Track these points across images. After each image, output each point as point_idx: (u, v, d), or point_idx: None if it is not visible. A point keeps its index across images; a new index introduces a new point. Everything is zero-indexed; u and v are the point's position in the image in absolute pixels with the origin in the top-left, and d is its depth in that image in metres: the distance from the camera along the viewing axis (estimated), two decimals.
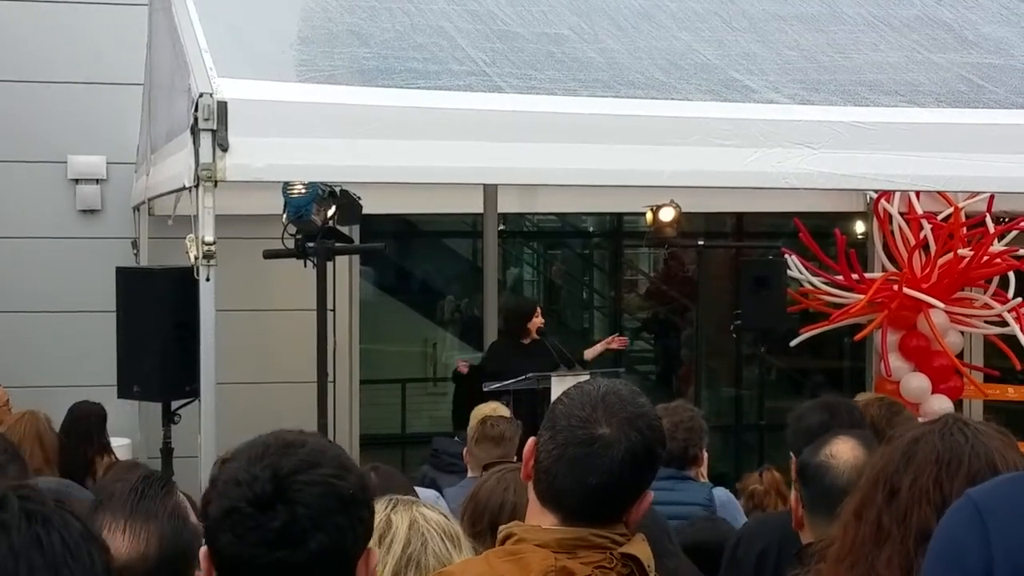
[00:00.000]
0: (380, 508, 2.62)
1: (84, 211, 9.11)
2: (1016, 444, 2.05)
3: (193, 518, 2.56)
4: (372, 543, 2.51)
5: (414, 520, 2.64)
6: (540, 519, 2.29)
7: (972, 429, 2.04)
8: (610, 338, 9.57)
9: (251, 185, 5.38)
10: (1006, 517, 1.43)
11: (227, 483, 1.91)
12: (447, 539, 2.63)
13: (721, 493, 5.05)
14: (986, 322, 9.48)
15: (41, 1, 8.97)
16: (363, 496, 1.96)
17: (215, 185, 4.65)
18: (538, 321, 8.89)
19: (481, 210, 9.26)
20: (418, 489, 5.08)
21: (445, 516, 2.73)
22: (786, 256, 9.57)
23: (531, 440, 2.34)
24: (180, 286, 5.50)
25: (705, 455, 5.08)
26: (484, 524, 3.18)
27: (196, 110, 4.62)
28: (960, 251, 9.16)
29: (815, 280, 9.60)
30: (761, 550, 3.64)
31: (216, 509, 1.91)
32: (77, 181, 9.09)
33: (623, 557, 2.24)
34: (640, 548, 2.26)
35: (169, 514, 2.44)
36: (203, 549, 1.97)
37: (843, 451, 3.01)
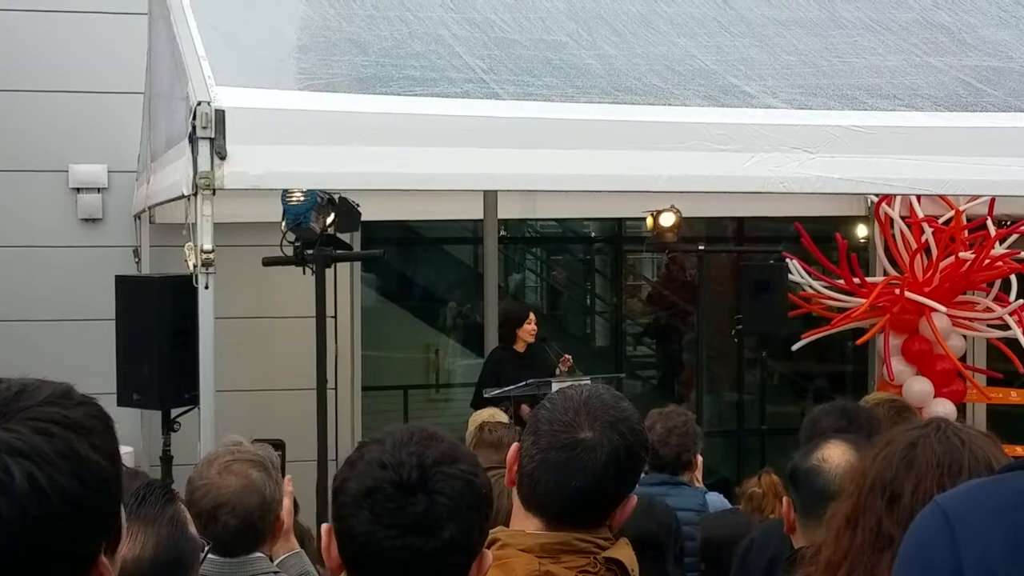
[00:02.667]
0: None
1: (85, 220, 9.12)
2: (1000, 444, 2.06)
3: (191, 528, 2.56)
4: None
5: None
6: (524, 524, 2.30)
7: (964, 432, 2.04)
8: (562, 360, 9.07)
9: (250, 193, 5.39)
10: (973, 522, 1.44)
11: (371, 463, 1.93)
12: None
13: (715, 498, 5.05)
14: (988, 325, 9.47)
15: (41, 11, 8.98)
16: (491, 496, 2.00)
17: (213, 193, 4.66)
18: (530, 328, 8.84)
19: (481, 216, 9.27)
20: None
21: None
22: (787, 260, 9.56)
23: (514, 446, 2.35)
24: (179, 294, 5.51)
25: (699, 460, 5.07)
26: None
27: (194, 118, 4.63)
28: (961, 254, 9.16)
29: (816, 284, 9.59)
30: (772, 556, 3.63)
31: (356, 487, 1.92)
32: (78, 190, 9.10)
33: (607, 561, 2.24)
34: (624, 552, 2.27)
35: (168, 521, 2.46)
36: (326, 526, 1.99)
37: (835, 455, 3.01)
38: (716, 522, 4.86)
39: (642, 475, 4.83)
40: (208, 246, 4.68)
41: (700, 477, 5.14)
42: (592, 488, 2.24)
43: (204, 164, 4.62)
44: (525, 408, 7.45)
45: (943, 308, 9.12)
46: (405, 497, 1.89)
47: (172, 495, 2.54)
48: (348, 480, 1.94)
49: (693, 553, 4.82)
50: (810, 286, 9.60)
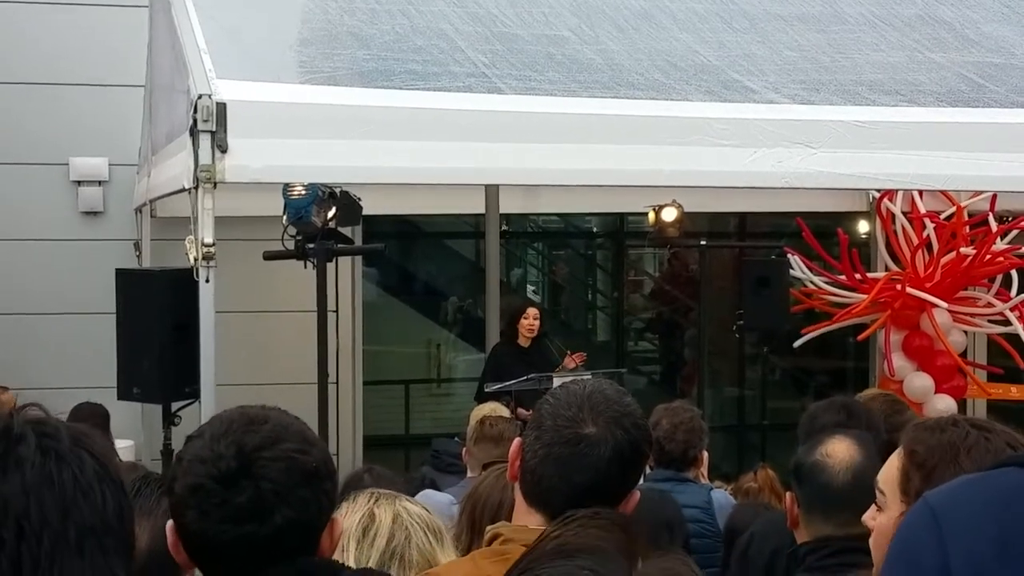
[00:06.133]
0: (363, 502, 2.64)
1: (86, 213, 9.12)
2: None
3: None
4: (356, 537, 2.52)
5: (397, 514, 2.65)
6: (527, 519, 2.28)
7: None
8: (569, 357, 8.95)
9: (251, 186, 5.37)
10: (960, 518, 1.44)
11: (192, 461, 1.94)
12: (430, 533, 2.64)
13: (719, 495, 5.03)
14: (989, 321, 9.47)
15: (43, 3, 8.98)
16: (326, 469, 1.99)
17: (214, 186, 4.65)
18: (527, 323, 8.81)
19: (483, 210, 9.27)
20: (430, 492, 5.07)
21: (427, 510, 2.73)
22: (789, 256, 9.57)
23: (517, 440, 2.34)
24: (180, 287, 5.49)
25: (705, 456, 5.06)
26: (483, 523, 3.17)
27: (195, 112, 4.62)
28: (963, 250, 9.15)
29: (818, 280, 9.59)
30: (773, 549, 3.62)
31: (181, 486, 1.94)
32: (79, 183, 9.10)
33: None
34: None
35: (163, 513, 2.45)
36: (169, 523, 2.00)
37: (839, 450, 3.00)
38: (745, 512, 4.85)
39: (648, 471, 4.83)
40: (209, 240, 4.67)
41: (706, 473, 5.12)
42: (596, 484, 2.23)
43: (205, 157, 4.61)
44: (522, 411, 7.44)
45: (944, 304, 9.11)
46: (227, 490, 1.89)
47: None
48: (175, 479, 1.96)
49: (700, 550, 4.80)
50: (811, 282, 9.60)
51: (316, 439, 2.03)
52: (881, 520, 2.20)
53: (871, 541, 2.25)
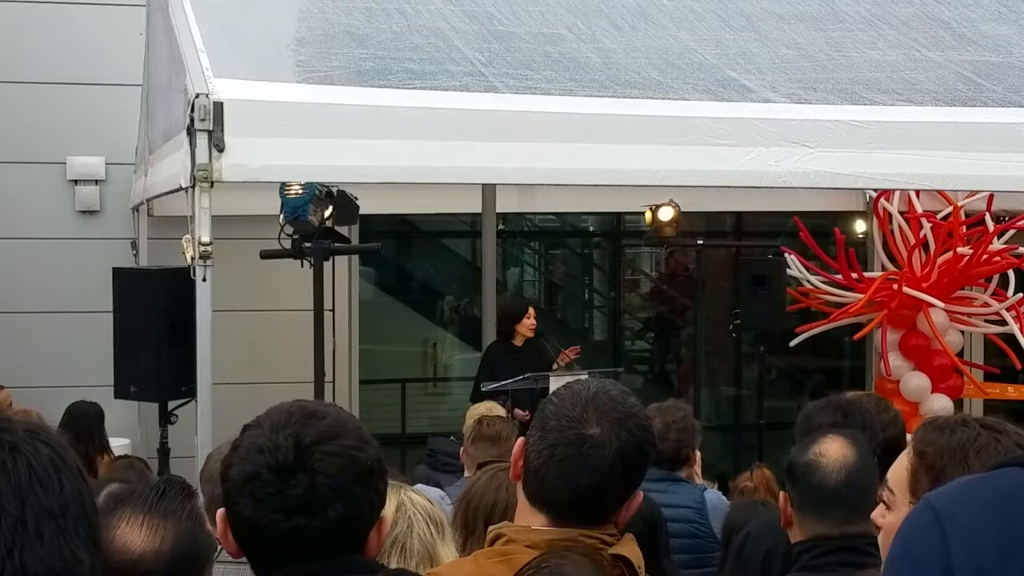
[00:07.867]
0: None
1: (83, 212, 9.12)
2: None
3: (208, 525, 2.57)
4: None
5: (401, 503, 2.65)
6: (529, 520, 2.27)
7: None
8: (563, 353, 8.81)
9: (248, 185, 5.37)
10: (963, 519, 1.43)
11: (249, 449, 1.94)
12: (432, 524, 2.65)
13: (712, 495, 5.02)
14: (986, 321, 9.48)
15: (40, 2, 8.97)
16: (380, 468, 2.00)
17: (211, 186, 4.65)
18: (528, 323, 8.79)
19: (480, 210, 9.27)
20: (421, 487, 5.08)
21: (430, 501, 2.74)
22: (786, 255, 9.57)
23: (520, 440, 2.32)
24: (177, 286, 5.51)
25: (698, 455, 5.05)
26: (477, 522, 3.18)
27: (192, 111, 4.62)
28: (959, 250, 9.16)
29: (814, 279, 9.59)
30: (768, 549, 3.62)
31: (237, 474, 1.94)
32: (76, 182, 9.10)
33: (613, 558, 2.22)
34: (630, 549, 2.24)
35: (187, 515, 2.46)
36: (220, 511, 2.00)
37: (832, 449, 3.00)
38: (742, 510, 4.85)
39: None
40: (206, 239, 4.67)
41: (700, 472, 5.11)
42: (600, 485, 2.21)
43: (202, 156, 4.61)
44: (518, 412, 7.43)
45: (941, 304, 9.12)
46: (283, 480, 1.90)
47: (190, 490, 2.55)
48: (231, 466, 1.96)
49: (692, 550, 4.80)
50: (808, 281, 9.60)
51: (371, 437, 2.04)
52: (890, 519, 2.20)
53: (880, 540, 2.25)
